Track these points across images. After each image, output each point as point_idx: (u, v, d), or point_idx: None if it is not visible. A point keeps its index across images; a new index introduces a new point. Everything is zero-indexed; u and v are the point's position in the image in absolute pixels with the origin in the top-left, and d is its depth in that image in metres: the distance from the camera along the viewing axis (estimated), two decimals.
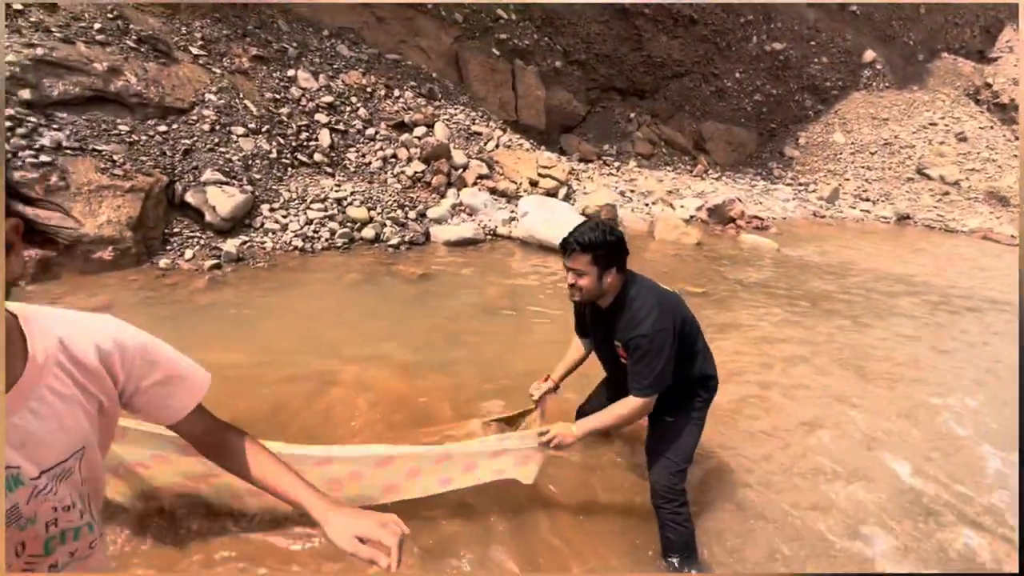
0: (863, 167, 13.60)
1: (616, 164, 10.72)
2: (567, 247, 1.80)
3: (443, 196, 6.57)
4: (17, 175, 3.87)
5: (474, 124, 8.35)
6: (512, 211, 6.71)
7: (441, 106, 8.23)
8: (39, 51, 4.48)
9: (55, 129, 4.31)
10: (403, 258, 5.20)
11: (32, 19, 4.68)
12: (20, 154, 3.94)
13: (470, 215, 6.46)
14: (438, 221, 6.07)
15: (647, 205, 8.98)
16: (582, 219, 6.67)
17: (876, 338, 4.45)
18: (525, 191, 7.41)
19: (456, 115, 8.24)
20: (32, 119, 4.21)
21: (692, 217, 8.75)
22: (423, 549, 1.85)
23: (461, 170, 7.00)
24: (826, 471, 2.56)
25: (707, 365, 1.99)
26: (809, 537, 2.13)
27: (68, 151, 4.25)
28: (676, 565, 1.87)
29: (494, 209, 6.68)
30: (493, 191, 7.04)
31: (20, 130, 4.07)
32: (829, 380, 3.54)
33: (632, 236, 7.39)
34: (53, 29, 4.74)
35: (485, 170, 7.25)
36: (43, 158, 4.03)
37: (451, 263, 5.29)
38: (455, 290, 4.55)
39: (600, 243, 1.76)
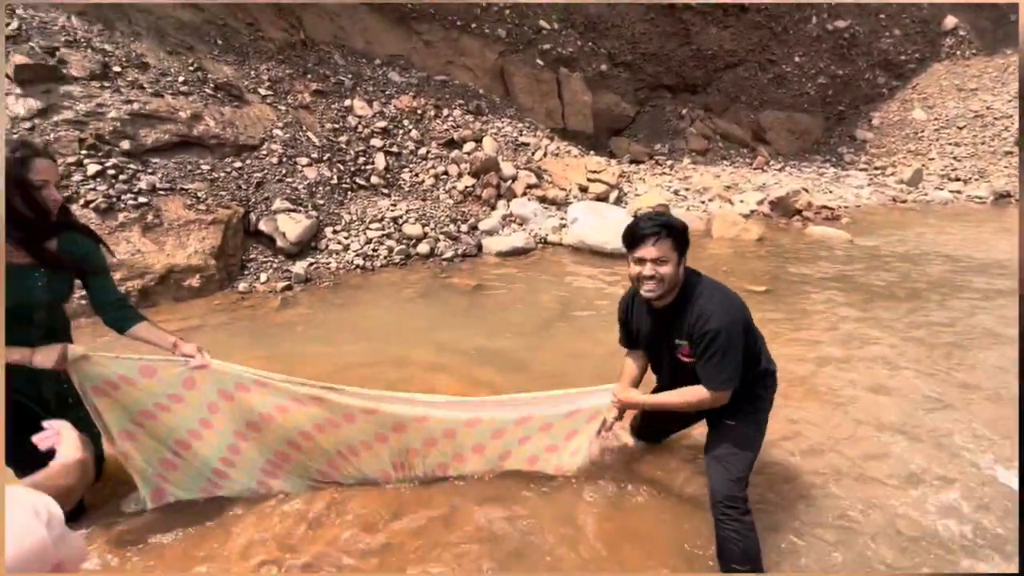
0: (950, 144, 12.38)
1: (669, 163, 10.46)
2: (646, 235, 1.67)
3: (493, 208, 6.72)
4: (121, 216, 4.41)
5: (521, 135, 8.48)
6: (562, 218, 6.74)
7: (488, 120, 8.43)
8: (135, 106, 5.09)
9: (150, 173, 4.87)
10: (457, 270, 5.37)
11: (129, 79, 5.33)
12: (123, 197, 4.49)
13: (520, 225, 6.55)
14: (489, 232, 6.21)
15: (703, 203, 8.68)
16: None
17: (966, 330, 4.04)
18: (575, 197, 7.42)
19: (503, 128, 8.40)
20: (131, 166, 4.78)
21: (753, 212, 8.35)
22: (480, 535, 1.91)
23: (510, 181, 7.13)
24: (915, 475, 2.36)
25: (768, 360, 1.94)
26: (897, 545, 1.98)
27: (161, 191, 4.78)
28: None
29: (544, 217, 6.74)
30: (543, 200, 7.11)
31: (122, 176, 4.63)
32: (913, 379, 3.26)
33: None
34: (145, 86, 5.37)
35: (534, 179, 7.33)
36: (141, 200, 4.57)
37: (503, 273, 5.39)
38: (509, 299, 4.64)
39: (678, 226, 1.71)
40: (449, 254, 5.64)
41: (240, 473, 2.05)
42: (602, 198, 7.54)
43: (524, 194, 7.04)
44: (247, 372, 1.90)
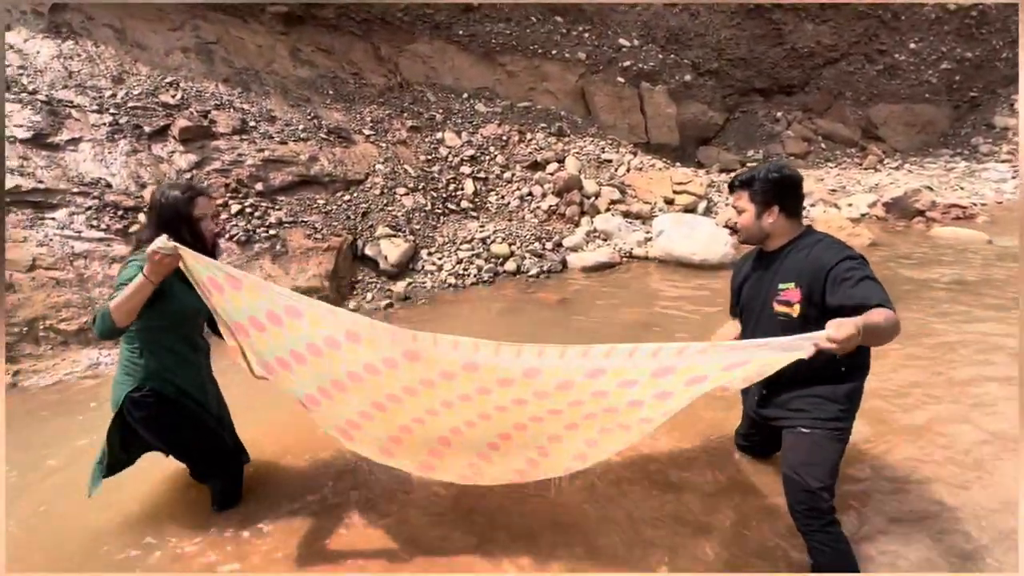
0: None
1: None
2: (730, 186, 1.94)
3: (577, 225, 6.84)
4: (256, 247, 5.16)
5: (604, 152, 8.56)
6: (647, 232, 6.68)
7: (570, 140, 8.63)
8: (266, 153, 5.96)
9: (277, 210, 5.64)
10: (543, 286, 5.54)
11: (261, 131, 6.26)
12: (257, 231, 5.26)
13: (605, 240, 6.59)
14: (574, 249, 6.33)
15: (805, 208, 8.10)
16: (723, 230, 6.35)
17: None
18: (660, 210, 7.31)
19: (585, 147, 8.55)
20: (263, 204, 5.59)
21: (864, 215, 7.64)
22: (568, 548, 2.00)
23: (593, 198, 7.22)
24: None
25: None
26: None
27: (286, 224, 5.52)
28: None
29: (628, 232, 6.72)
30: (627, 214, 7.10)
31: (256, 213, 5.43)
32: None
33: None
34: (274, 135, 6.27)
35: (617, 195, 7.36)
36: (271, 232, 5.31)
37: (588, 287, 5.46)
38: (594, 311, 4.70)
39: (759, 179, 1.83)
40: (535, 271, 5.83)
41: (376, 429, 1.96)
42: (690, 209, 7.36)
43: (607, 210, 7.09)
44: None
